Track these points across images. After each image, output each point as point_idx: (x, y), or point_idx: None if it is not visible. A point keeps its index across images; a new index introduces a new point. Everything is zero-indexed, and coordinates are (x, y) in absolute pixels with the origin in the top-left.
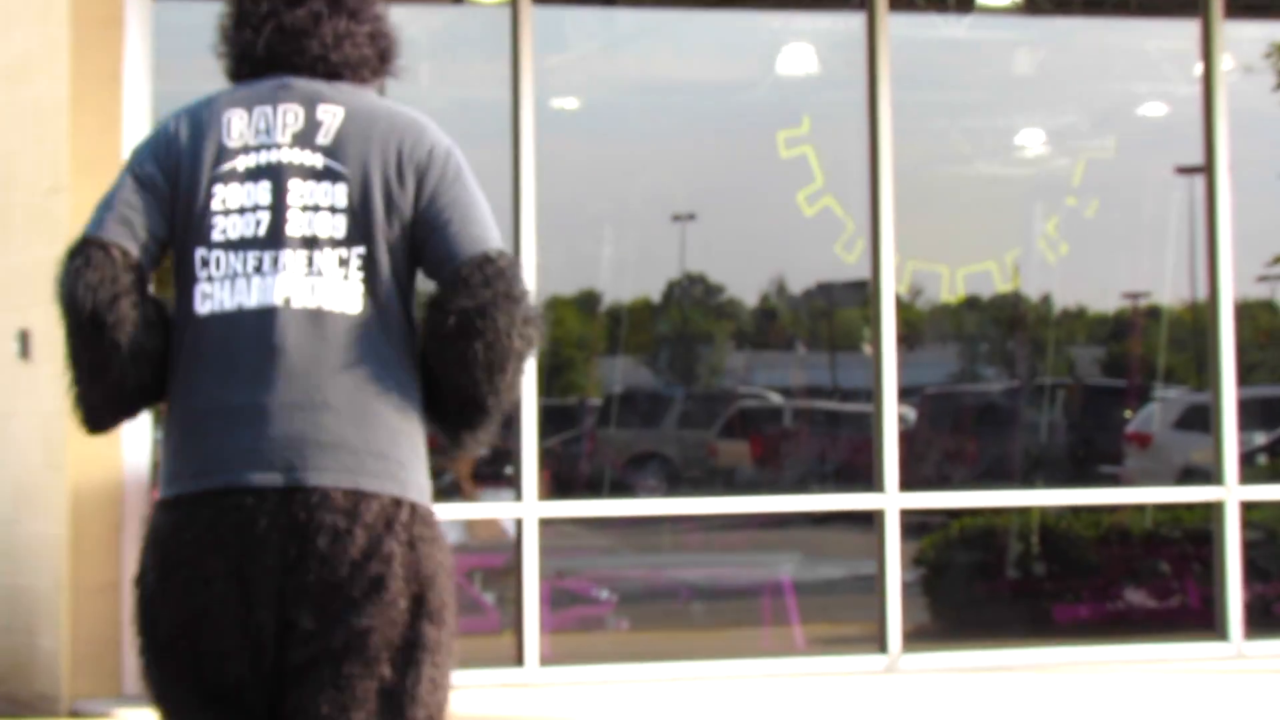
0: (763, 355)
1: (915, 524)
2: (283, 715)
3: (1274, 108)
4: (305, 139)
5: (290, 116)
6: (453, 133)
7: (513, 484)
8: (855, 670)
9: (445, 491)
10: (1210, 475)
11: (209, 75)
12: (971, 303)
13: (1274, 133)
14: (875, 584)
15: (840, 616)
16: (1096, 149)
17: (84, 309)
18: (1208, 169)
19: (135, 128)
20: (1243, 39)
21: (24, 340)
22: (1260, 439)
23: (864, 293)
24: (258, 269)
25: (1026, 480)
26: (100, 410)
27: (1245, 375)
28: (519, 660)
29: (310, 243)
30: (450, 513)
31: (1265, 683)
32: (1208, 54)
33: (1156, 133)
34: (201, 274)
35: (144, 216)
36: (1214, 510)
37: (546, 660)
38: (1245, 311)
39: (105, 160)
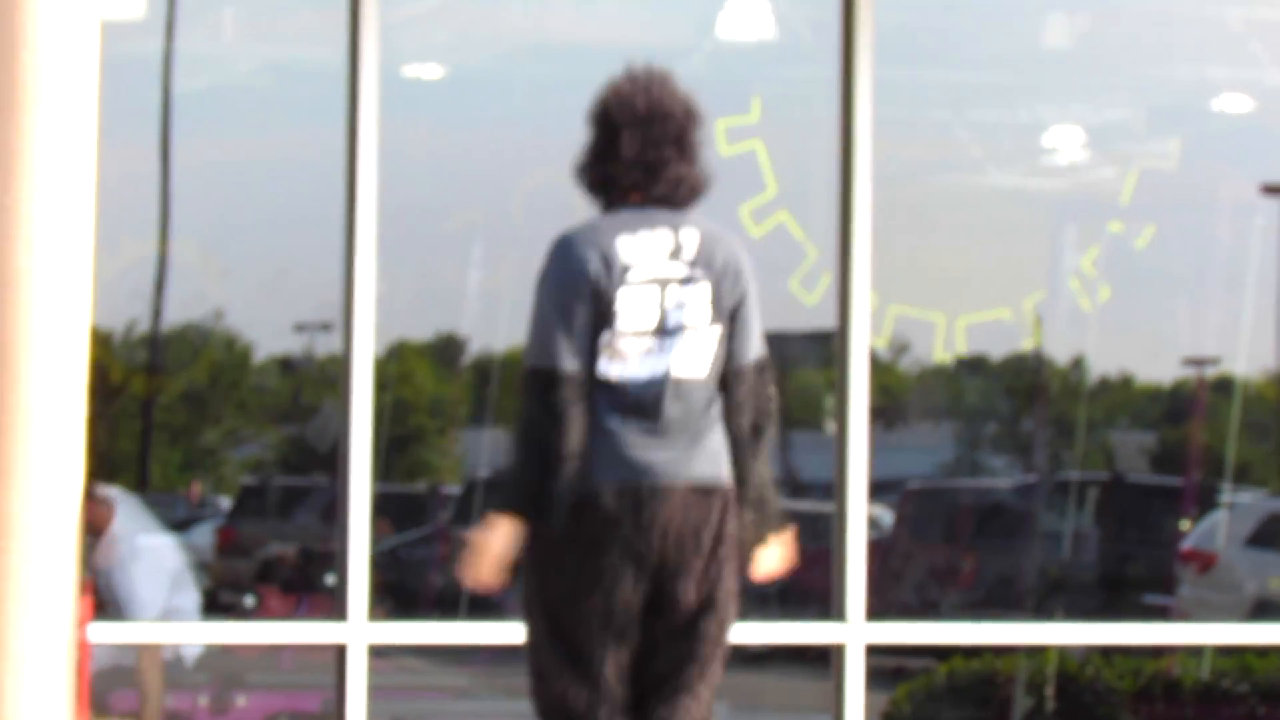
0: None
1: (888, 667)
2: (649, 640)
3: None
4: (676, 254)
5: (662, 238)
6: (271, 108)
7: (333, 598)
8: None
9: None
10: None
11: None
12: (975, 365)
13: None
14: None
15: None
16: (1153, 156)
17: (569, 429)
18: None
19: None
20: None
21: None
22: None
23: (827, 347)
24: (648, 351)
25: (1041, 610)
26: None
27: None
28: None
29: (678, 329)
30: (243, 635)
31: None
32: None
33: (1237, 135)
34: (607, 350)
35: (581, 326)
36: None
37: None
38: None
39: None
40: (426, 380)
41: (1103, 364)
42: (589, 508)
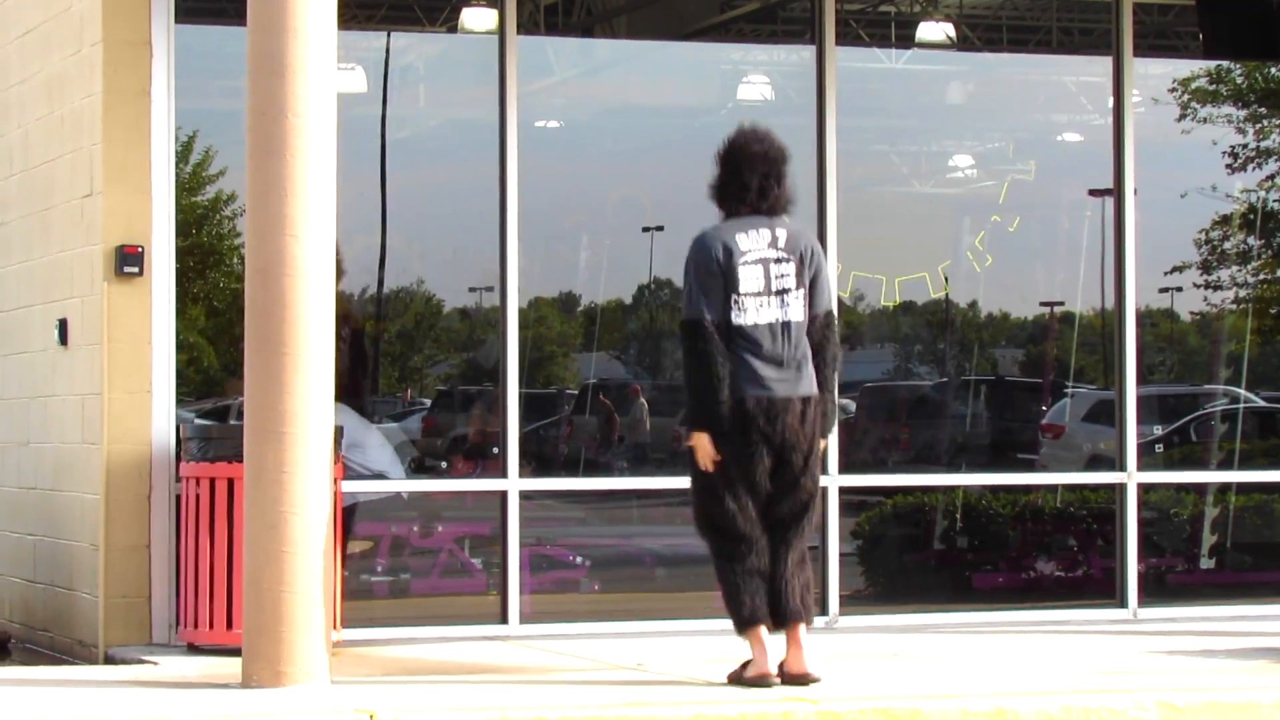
0: None
1: (854, 502)
2: (773, 493)
3: (1177, 137)
4: (773, 244)
5: (764, 234)
6: (445, 150)
7: (497, 462)
8: None
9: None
10: (1113, 462)
11: (225, 94)
12: (906, 307)
13: (1176, 159)
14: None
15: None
16: (1019, 172)
17: (717, 362)
18: (1116, 191)
19: (160, 139)
20: (1150, 75)
21: (63, 328)
22: (1158, 431)
23: None
24: (761, 306)
25: (952, 464)
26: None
27: (1146, 375)
28: (503, 617)
29: (782, 291)
30: (440, 486)
31: (1156, 643)
32: (1118, 88)
33: (1073, 158)
34: (734, 306)
35: (717, 292)
36: (1116, 492)
37: (526, 617)
38: (1148, 319)
39: (134, 168)
40: (554, 321)
41: (988, 305)
42: (738, 409)
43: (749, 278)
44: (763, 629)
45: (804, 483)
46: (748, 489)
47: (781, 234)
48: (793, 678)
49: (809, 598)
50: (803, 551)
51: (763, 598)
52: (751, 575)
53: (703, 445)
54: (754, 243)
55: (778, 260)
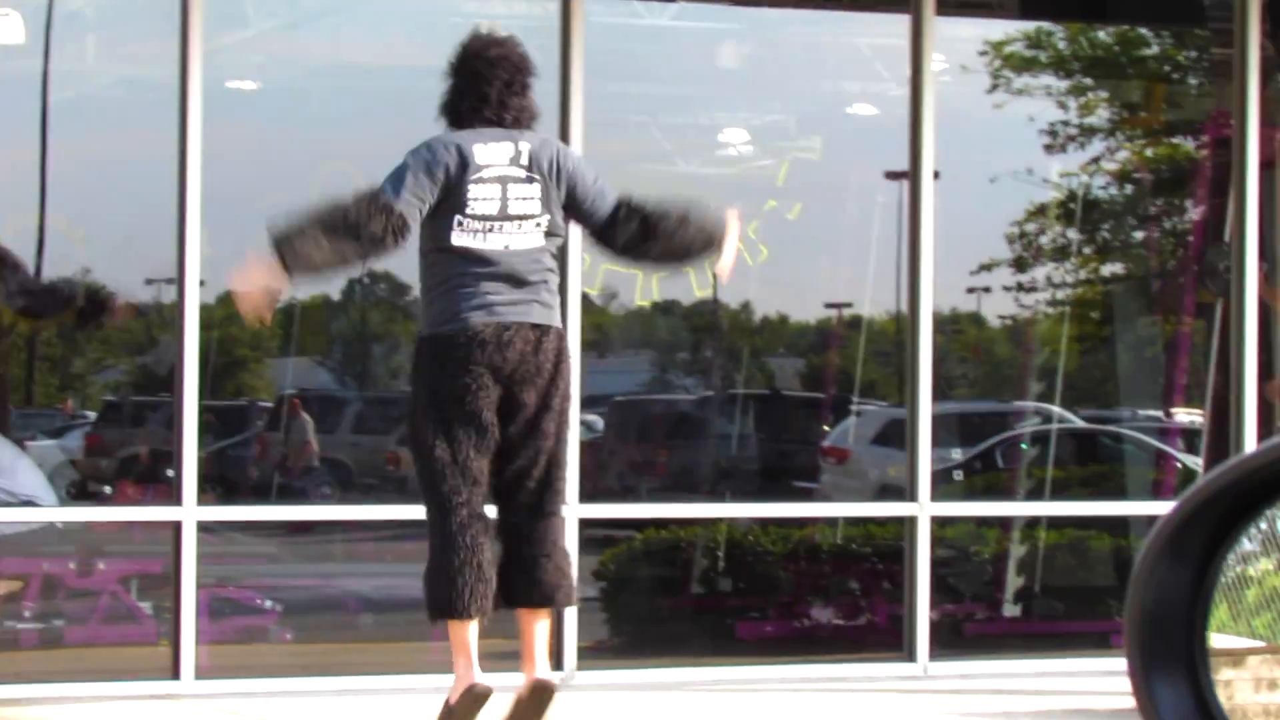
0: None
1: (598, 537)
2: (507, 442)
3: (988, 111)
4: (515, 160)
5: (506, 148)
6: (120, 114)
7: (171, 487)
8: None
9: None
10: (904, 491)
11: None
12: (666, 308)
13: (987, 137)
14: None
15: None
16: (802, 150)
17: (374, 239)
18: (913, 173)
19: None
20: (958, 38)
21: None
22: (957, 455)
23: None
24: (490, 230)
25: (715, 493)
26: (310, 269)
27: (945, 390)
28: (174, 672)
29: (522, 216)
30: (102, 515)
31: (949, 703)
32: (917, 52)
33: (865, 135)
34: (457, 227)
35: (428, 194)
36: (905, 526)
37: (203, 672)
38: (949, 324)
39: None
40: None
41: (763, 307)
42: (460, 336)
43: (482, 197)
44: (468, 628)
45: (543, 427)
46: (471, 430)
47: (525, 149)
48: (535, 688)
49: (568, 580)
50: (560, 534)
51: (473, 585)
52: (461, 549)
53: (251, 275)
54: (493, 156)
55: (520, 180)
